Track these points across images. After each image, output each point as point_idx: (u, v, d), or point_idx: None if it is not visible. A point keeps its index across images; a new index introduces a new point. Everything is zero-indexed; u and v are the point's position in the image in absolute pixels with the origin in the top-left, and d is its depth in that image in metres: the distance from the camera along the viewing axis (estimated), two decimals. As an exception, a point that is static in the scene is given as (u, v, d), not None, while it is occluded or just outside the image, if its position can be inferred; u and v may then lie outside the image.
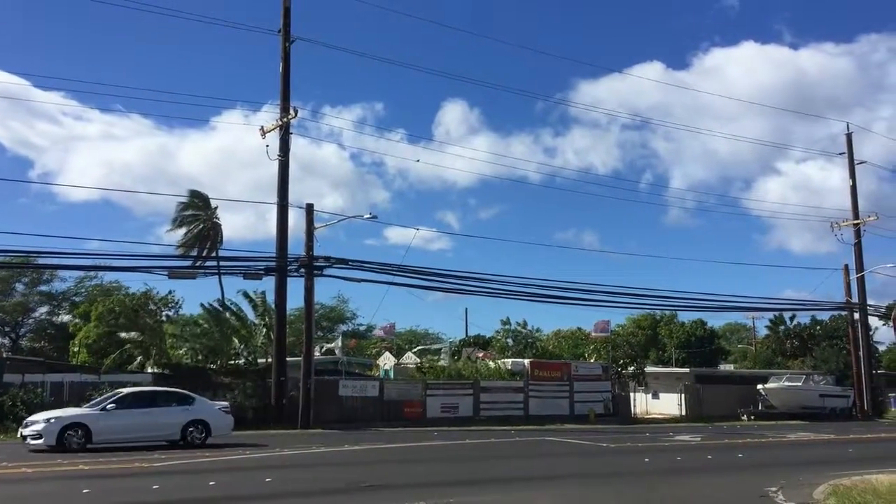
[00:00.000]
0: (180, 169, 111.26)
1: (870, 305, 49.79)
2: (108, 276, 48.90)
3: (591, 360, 45.54)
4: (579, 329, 53.79)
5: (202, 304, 37.67)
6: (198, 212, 35.96)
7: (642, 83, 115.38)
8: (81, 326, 43.50)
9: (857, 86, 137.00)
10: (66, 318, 53.27)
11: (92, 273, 49.17)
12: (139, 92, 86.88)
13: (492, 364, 40.97)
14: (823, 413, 44.16)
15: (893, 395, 52.23)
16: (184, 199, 36.26)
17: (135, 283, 53.25)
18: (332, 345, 43.67)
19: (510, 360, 41.52)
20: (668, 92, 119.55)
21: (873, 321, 53.52)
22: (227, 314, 37.18)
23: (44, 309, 55.00)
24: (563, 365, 41.73)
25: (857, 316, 48.91)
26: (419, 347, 51.61)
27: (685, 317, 69.37)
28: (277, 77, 33.52)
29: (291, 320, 38.28)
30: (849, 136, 50.67)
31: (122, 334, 38.13)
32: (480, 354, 45.35)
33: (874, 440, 27.79)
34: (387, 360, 41.56)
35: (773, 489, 13.47)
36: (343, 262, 32.70)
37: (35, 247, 34.32)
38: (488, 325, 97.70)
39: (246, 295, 38.45)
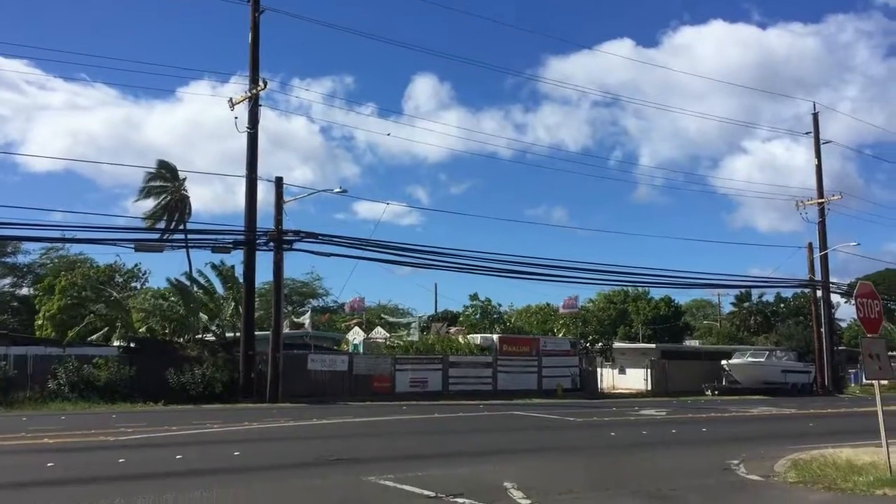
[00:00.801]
0: (146, 140, 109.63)
1: (832, 283, 50.71)
2: (74, 249, 48.20)
3: (560, 336, 45.90)
4: (548, 305, 54.12)
5: (168, 279, 37.34)
6: (165, 183, 35.46)
7: (612, 60, 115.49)
8: (45, 300, 42.88)
9: (824, 66, 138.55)
10: (29, 290, 52.46)
11: (57, 245, 48.42)
12: (105, 61, 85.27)
13: (461, 339, 41.15)
14: (785, 388, 45.03)
15: (853, 370, 53.37)
16: (151, 170, 35.72)
17: (101, 256, 52.60)
18: (302, 319, 43.52)
19: (479, 336, 41.74)
20: (637, 69, 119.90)
21: (835, 298, 54.58)
22: (195, 288, 36.86)
23: (6, 281, 54.12)
24: (532, 340, 42.04)
25: (819, 293, 49.75)
26: (390, 319, 51.59)
27: (655, 293, 70.20)
28: (246, 48, 33.03)
29: (261, 294, 38.06)
30: (815, 116, 51.24)
31: (88, 307, 37.65)
32: (452, 330, 45.52)
33: (834, 415, 28.39)
34: (356, 335, 41.59)
35: (736, 462, 13.71)
36: (313, 236, 32.53)
37: (-2, 218, 33.62)
38: (458, 300, 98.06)
39: (214, 267, 38.15)
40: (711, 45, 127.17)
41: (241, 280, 33.47)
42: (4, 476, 11.70)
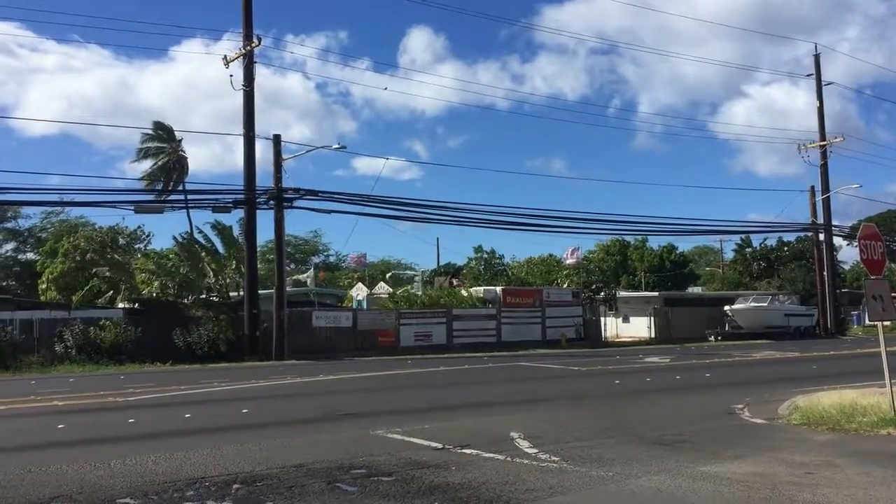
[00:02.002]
0: (141, 100, 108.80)
1: (834, 226, 50.65)
2: (74, 213, 48.20)
3: (563, 286, 46.01)
4: (551, 255, 54.18)
5: (174, 237, 37.28)
6: (162, 144, 35.25)
7: (608, 7, 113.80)
8: (48, 263, 42.99)
9: (824, 6, 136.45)
10: (32, 255, 52.60)
11: (57, 209, 48.42)
12: (97, 21, 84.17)
13: (464, 292, 41.26)
14: (788, 332, 45.25)
15: (856, 312, 53.60)
16: (148, 131, 35.49)
17: (102, 219, 52.44)
18: (305, 276, 43.63)
19: (482, 288, 41.86)
20: (634, 15, 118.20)
21: (838, 241, 54.57)
22: (197, 248, 36.86)
23: (9, 246, 54.24)
24: (535, 291, 42.16)
25: (822, 237, 49.74)
26: (392, 272, 51.72)
27: (655, 242, 70.20)
28: (237, 4, 32.55)
29: (263, 252, 38.08)
30: (817, 58, 50.67)
31: (92, 269, 37.72)
32: (455, 281, 45.62)
33: (836, 357, 28.55)
34: (360, 291, 41.75)
35: (740, 406, 13.82)
36: (313, 194, 32.45)
37: (-6, 183, 33.50)
38: (460, 254, 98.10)
39: (215, 227, 38.07)
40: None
41: (242, 239, 33.46)
42: (17, 439, 11.83)
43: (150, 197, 34.73)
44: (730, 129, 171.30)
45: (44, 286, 42.06)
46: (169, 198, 34.80)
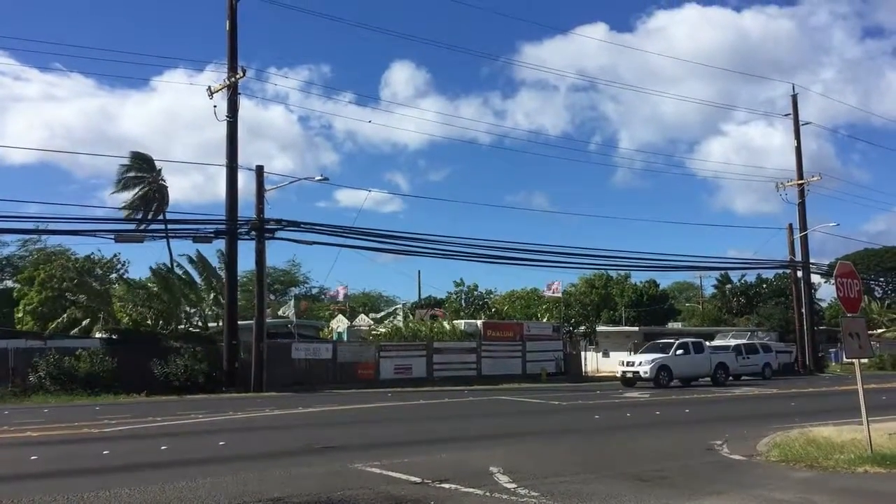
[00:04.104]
0: (123, 130, 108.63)
1: (812, 263, 51.12)
2: (52, 241, 47.76)
3: (544, 320, 46.05)
4: (534, 290, 54.33)
5: (151, 268, 37.11)
6: (142, 174, 35.22)
7: (587, 47, 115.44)
8: (25, 292, 42.51)
9: (800, 48, 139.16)
10: (9, 283, 51.97)
11: (34, 237, 47.98)
12: (80, 50, 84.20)
13: (446, 325, 41.20)
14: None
15: (833, 349, 53.93)
16: (126, 162, 35.41)
17: (81, 247, 52.05)
18: (285, 308, 43.40)
19: (463, 322, 41.81)
20: (613, 54, 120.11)
21: (816, 279, 55.04)
22: (175, 278, 36.66)
23: (-15, 274, 53.52)
24: (516, 325, 42.16)
25: (800, 274, 50.18)
26: (380, 314, 51.55)
27: (637, 277, 70.55)
28: (220, 36, 32.76)
29: (243, 283, 37.91)
30: (794, 98, 51.47)
31: (69, 297, 37.36)
32: (439, 313, 45.54)
33: (815, 394, 28.68)
34: (340, 323, 41.55)
35: (719, 442, 13.84)
36: (295, 225, 32.39)
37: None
38: (441, 287, 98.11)
39: (191, 260, 37.93)
40: (686, 29, 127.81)
41: (219, 270, 33.29)
42: (-13, 470, 11.61)
43: (131, 226, 34.54)
44: (708, 167, 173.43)
45: (20, 315, 41.57)
46: (149, 227, 34.66)
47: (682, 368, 33.89)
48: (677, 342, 34.77)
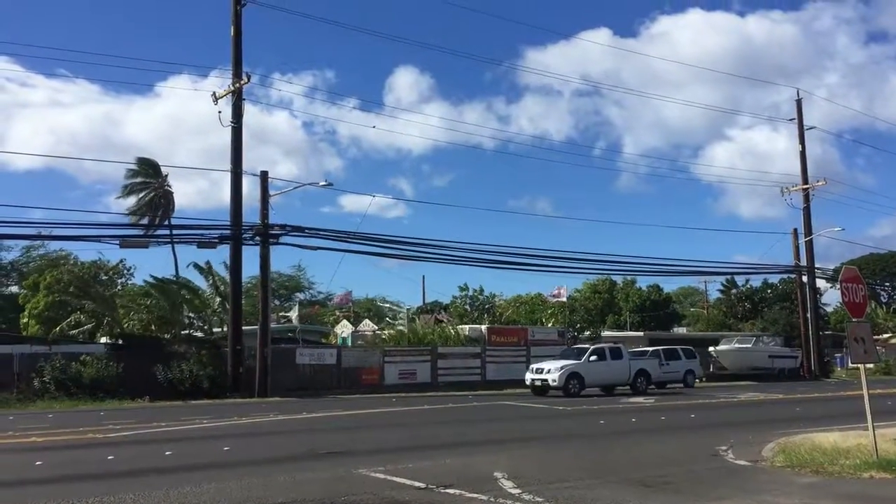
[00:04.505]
0: (128, 136, 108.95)
1: (817, 268, 51.04)
2: (55, 246, 47.90)
3: (549, 325, 45.99)
4: (538, 295, 54.25)
5: (152, 276, 37.18)
6: (148, 179, 35.31)
7: (590, 52, 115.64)
8: (30, 297, 42.60)
9: (804, 53, 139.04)
10: (14, 289, 52.13)
11: (38, 243, 48.13)
12: (85, 56, 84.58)
13: (450, 330, 41.18)
14: (772, 373, 45.34)
15: (839, 355, 53.78)
16: (132, 167, 35.52)
17: (83, 253, 52.07)
18: (290, 313, 43.43)
19: (468, 327, 41.78)
20: (617, 60, 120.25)
21: (821, 283, 54.94)
22: (176, 286, 36.69)
23: (-9, 280, 53.73)
24: (520, 330, 42.11)
25: (805, 279, 50.07)
26: (383, 324, 51.60)
27: (642, 282, 70.51)
28: (225, 42, 32.89)
29: (247, 289, 37.96)
30: (799, 103, 51.44)
31: (74, 303, 37.46)
32: (443, 317, 45.53)
33: (820, 399, 28.59)
34: (344, 328, 41.58)
35: (724, 448, 13.80)
36: (299, 230, 32.43)
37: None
38: (446, 292, 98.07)
39: (197, 266, 38.02)
40: (690, 34, 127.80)
41: (224, 275, 33.35)
42: (-8, 476, 11.63)
43: (136, 231, 34.62)
44: (713, 172, 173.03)
45: (25, 320, 41.66)
46: (154, 232, 34.73)
47: (596, 376, 31.16)
48: (592, 347, 32.71)
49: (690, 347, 40.14)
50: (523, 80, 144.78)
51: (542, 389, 30.50)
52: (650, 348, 38.81)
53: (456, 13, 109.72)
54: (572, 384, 30.02)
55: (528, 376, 31.31)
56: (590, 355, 31.42)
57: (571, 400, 28.00)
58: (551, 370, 30.29)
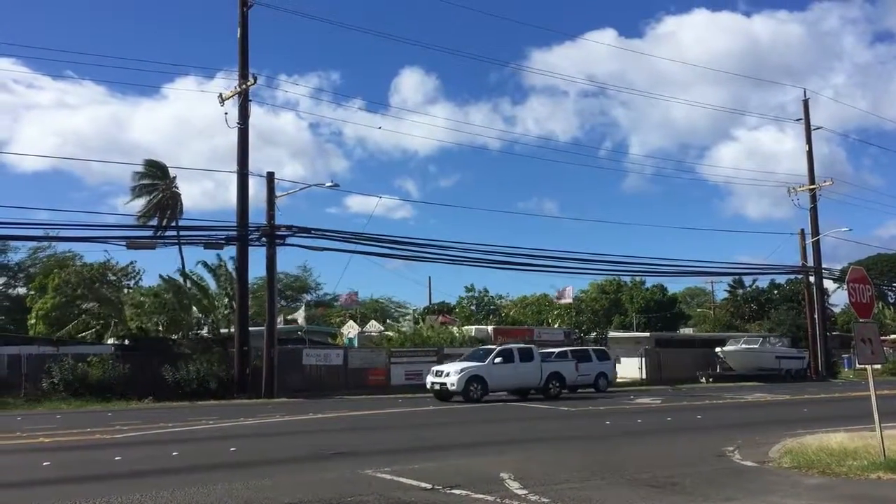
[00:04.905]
0: (134, 138, 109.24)
1: (824, 268, 50.86)
2: (63, 247, 48.05)
3: (555, 326, 45.98)
4: (545, 295, 54.24)
5: (160, 276, 37.29)
6: (156, 181, 35.43)
7: (596, 53, 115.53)
8: (38, 298, 42.76)
9: (810, 53, 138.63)
10: (22, 290, 52.34)
11: (45, 244, 48.30)
12: (91, 58, 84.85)
13: (456, 331, 41.19)
14: (779, 374, 45.20)
15: (846, 355, 53.61)
16: (140, 169, 35.65)
17: (90, 254, 52.34)
18: (296, 315, 43.49)
19: (474, 328, 41.78)
20: (622, 60, 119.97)
21: (828, 284, 54.76)
22: (188, 284, 36.81)
23: (-1, 281, 53.96)
24: (526, 331, 42.10)
25: (812, 279, 49.93)
26: (387, 323, 51.65)
27: (648, 282, 70.38)
28: (230, 43, 33.02)
29: (254, 290, 38.03)
30: (805, 103, 51.28)
31: (81, 305, 37.61)
32: (443, 319, 45.56)
33: (827, 400, 28.50)
34: (350, 329, 41.60)
35: (731, 448, 13.77)
36: (305, 231, 32.48)
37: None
38: (452, 293, 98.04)
39: (206, 265, 38.10)
40: (696, 34, 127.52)
41: (234, 276, 33.44)
42: (5, 475, 11.68)
43: (143, 232, 34.72)
44: (719, 172, 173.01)
45: (33, 321, 41.82)
46: (161, 234, 34.84)
47: (502, 379, 28.85)
48: (498, 348, 30.17)
49: (604, 349, 38.29)
50: (529, 81, 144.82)
51: (442, 394, 27.95)
52: (562, 349, 35.93)
53: (461, 14, 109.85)
54: (473, 388, 27.56)
55: (429, 379, 28.66)
56: (495, 357, 28.88)
57: (577, 400, 27.94)
58: (450, 373, 27.77)
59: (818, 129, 52.07)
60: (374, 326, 45.52)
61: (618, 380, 44.70)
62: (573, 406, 25.30)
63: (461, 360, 29.57)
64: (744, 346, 46.31)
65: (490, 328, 41.12)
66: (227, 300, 37.01)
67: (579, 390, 32.84)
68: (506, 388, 29.62)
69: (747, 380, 43.17)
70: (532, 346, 32.23)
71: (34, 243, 49.03)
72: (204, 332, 36.78)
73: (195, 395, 29.37)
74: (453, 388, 27.47)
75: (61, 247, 47.73)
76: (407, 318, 47.23)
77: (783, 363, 46.48)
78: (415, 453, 13.79)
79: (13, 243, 49.59)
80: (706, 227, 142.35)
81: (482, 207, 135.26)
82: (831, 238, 51.94)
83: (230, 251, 33.63)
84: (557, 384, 30.08)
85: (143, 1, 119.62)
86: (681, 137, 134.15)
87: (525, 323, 46.90)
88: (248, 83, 31.82)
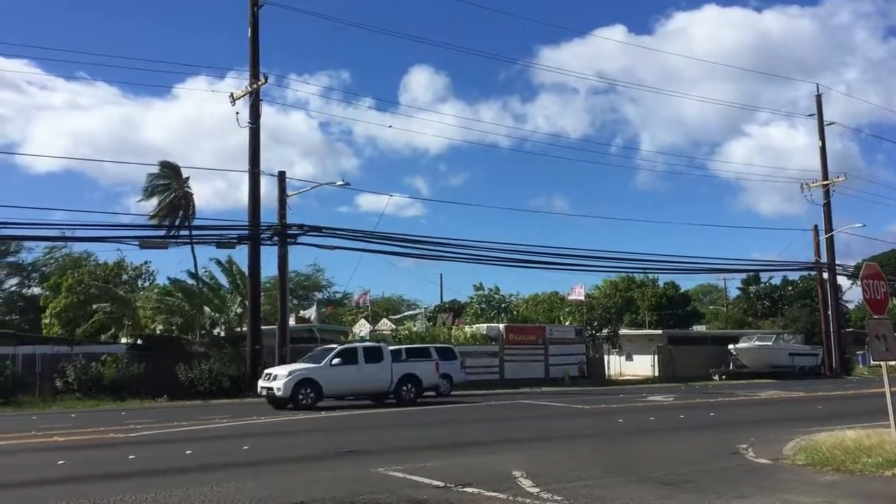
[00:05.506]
0: (146, 138, 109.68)
1: (838, 265, 50.57)
2: (77, 248, 48.34)
3: (566, 324, 45.90)
4: (556, 293, 54.15)
5: (169, 278, 37.51)
6: (169, 181, 35.55)
7: (605, 49, 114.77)
8: (52, 298, 43.04)
9: (822, 48, 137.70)
10: (36, 290, 52.69)
11: (60, 244, 48.59)
12: (103, 59, 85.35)
13: (468, 329, 41.18)
14: (793, 371, 45.00)
15: (860, 352, 53.27)
16: (154, 170, 35.84)
17: (104, 254, 52.57)
18: (307, 312, 43.58)
19: (485, 325, 41.77)
20: (632, 57, 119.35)
21: (842, 281, 54.42)
22: (199, 284, 36.95)
23: (13, 281, 54.34)
24: (538, 329, 42.05)
25: (826, 275, 49.64)
26: (398, 316, 51.68)
27: (660, 279, 70.07)
28: (240, 43, 33.12)
29: (266, 288, 38.14)
30: (818, 98, 51.03)
31: (95, 305, 37.83)
32: (456, 322, 45.55)
33: (841, 397, 28.34)
34: (362, 327, 41.64)
35: (745, 446, 13.71)
36: (317, 230, 32.56)
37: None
38: (464, 291, 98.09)
39: (219, 263, 38.24)
40: (706, 30, 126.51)
41: (246, 274, 33.55)
42: (16, 474, 11.77)
43: (155, 232, 34.87)
44: (731, 168, 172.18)
45: (47, 321, 42.09)
46: (174, 233, 34.99)
47: (341, 384, 25.33)
48: (339, 348, 26.63)
49: (451, 346, 33.28)
50: (538, 78, 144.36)
51: (273, 401, 24.36)
52: (421, 346, 32.47)
53: (470, 12, 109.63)
54: (304, 394, 24.01)
55: (260, 384, 25.26)
56: (333, 357, 25.27)
57: (590, 398, 27.78)
58: (278, 376, 24.35)
59: (831, 124, 51.82)
60: (385, 325, 45.55)
61: (630, 377, 44.75)
62: (586, 404, 25.17)
63: (300, 361, 26.41)
64: (757, 343, 46.12)
65: (502, 326, 41.09)
66: (238, 299, 37.13)
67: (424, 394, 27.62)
68: (347, 393, 26.20)
69: (761, 377, 42.99)
70: (382, 343, 28.86)
71: (49, 243, 49.39)
72: (217, 331, 36.91)
73: (208, 393, 29.49)
74: (280, 393, 23.84)
75: (77, 247, 48.08)
76: (419, 318, 47.18)
77: (797, 360, 46.27)
78: (427, 451, 13.79)
79: (27, 243, 49.94)
80: (718, 223, 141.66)
81: (493, 205, 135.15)
82: (845, 234, 51.63)
83: (240, 252, 33.75)
84: (411, 387, 26.44)
85: (154, 1, 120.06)
86: (692, 134, 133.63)
87: (537, 320, 46.79)
88: (259, 83, 31.90)
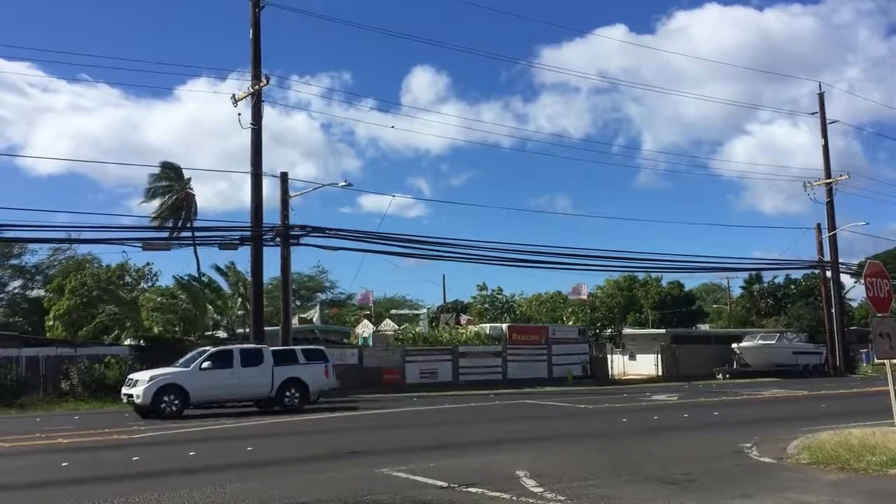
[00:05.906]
0: (148, 140, 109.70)
1: (841, 263, 50.46)
2: (81, 249, 48.35)
3: (569, 324, 45.87)
4: (559, 293, 54.06)
5: (174, 277, 37.52)
6: (171, 183, 35.58)
7: (606, 49, 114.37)
8: (55, 300, 43.06)
9: (824, 46, 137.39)
10: (39, 292, 52.70)
11: (64, 246, 48.60)
12: (104, 61, 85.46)
13: (471, 329, 41.18)
14: (797, 370, 44.93)
15: (865, 350, 53.16)
16: (156, 171, 35.87)
17: (107, 256, 52.70)
18: (310, 313, 43.59)
19: (488, 325, 41.76)
20: (633, 56, 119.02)
21: (846, 279, 54.32)
22: (200, 286, 36.99)
23: (17, 283, 54.37)
24: (541, 329, 42.03)
25: (829, 274, 49.55)
26: (399, 312, 51.67)
27: (664, 278, 69.99)
28: (242, 45, 33.14)
29: (268, 290, 38.17)
30: (821, 96, 50.90)
31: (98, 307, 37.86)
32: (462, 321, 45.53)
33: (845, 396, 28.30)
34: (365, 328, 41.64)
35: (748, 445, 13.69)
36: (319, 231, 32.54)
37: (1, 220, 33.76)
38: (466, 291, 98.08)
39: (218, 269, 38.32)
40: (707, 29, 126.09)
41: (246, 276, 33.58)
42: (20, 476, 11.79)
43: (158, 234, 34.90)
44: (733, 167, 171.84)
45: (50, 323, 42.13)
46: (176, 235, 35.03)
47: (212, 389, 23.04)
48: (211, 350, 24.40)
49: (320, 348, 27.90)
50: (540, 78, 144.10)
51: (136, 409, 22.38)
52: (307, 347, 27.67)
53: (471, 12, 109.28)
54: (167, 401, 21.97)
55: (122, 390, 23.27)
56: (204, 360, 23.27)
57: (594, 398, 27.77)
58: (139, 382, 22.35)
59: (834, 122, 51.71)
60: (388, 325, 45.57)
61: (634, 376, 44.71)
62: (589, 403, 25.16)
63: (173, 365, 23.97)
64: (760, 341, 46.08)
65: (505, 326, 41.08)
66: (240, 301, 37.16)
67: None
68: (220, 400, 23.98)
69: (764, 376, 42.94)
70: (263, 346, 25.81)
71: (53, 245, 49.41)
72: (220, 332, 36.93)
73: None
74: (139, 400, 21.88)
75: (82, 249, 48.08)
76: (422, 318, 47.19)
77: (800, 359, 46.21)
78: (431, 452, 13.80)
79: (30, 246, 49.98)
80: (721, 222, 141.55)
81: (495, 205, 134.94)
82: (848, 232, 51.48)
83: (241, 254, 33.76)
84: (296, 392, 24.20)
85: (155, 3, 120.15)
86: (694, 133, 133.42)
87: (540, 320, 46.75)
88: (261, 84, 31.87)
